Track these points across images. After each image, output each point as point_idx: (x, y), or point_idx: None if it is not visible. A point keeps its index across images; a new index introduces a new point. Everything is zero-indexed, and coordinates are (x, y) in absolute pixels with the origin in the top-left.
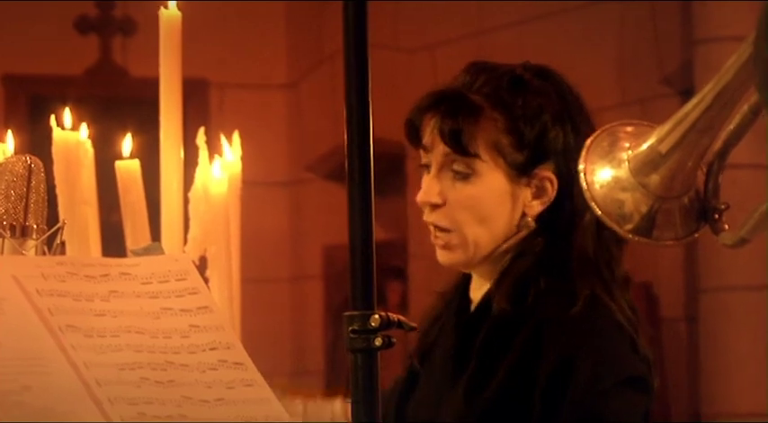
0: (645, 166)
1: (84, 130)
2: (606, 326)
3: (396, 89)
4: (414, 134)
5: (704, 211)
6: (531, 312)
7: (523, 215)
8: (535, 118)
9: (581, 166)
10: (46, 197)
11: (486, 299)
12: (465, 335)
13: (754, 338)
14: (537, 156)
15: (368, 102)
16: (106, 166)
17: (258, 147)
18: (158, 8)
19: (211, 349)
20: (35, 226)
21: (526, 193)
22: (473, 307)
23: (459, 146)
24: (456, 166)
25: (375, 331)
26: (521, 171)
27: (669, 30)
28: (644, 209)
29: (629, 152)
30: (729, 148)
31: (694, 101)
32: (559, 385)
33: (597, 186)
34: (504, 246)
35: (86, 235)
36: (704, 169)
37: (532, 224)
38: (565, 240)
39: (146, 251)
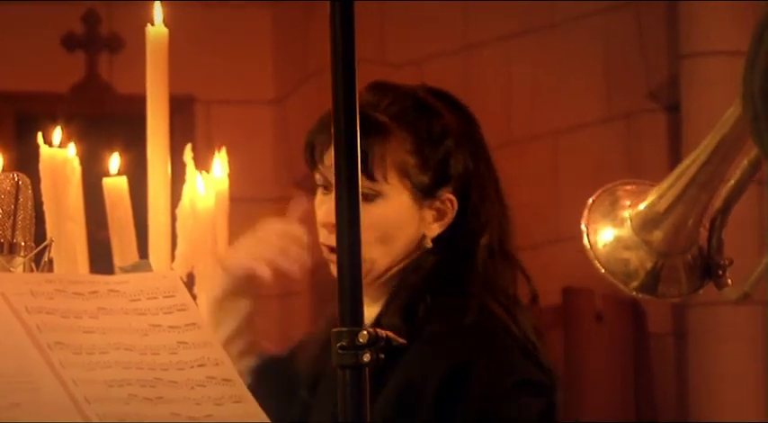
0: (647, 224)
1: (71, 147)
2: (498, 333)
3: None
4: (310, 154)
5: (708, 267)
6: (420, 327)
7: (423, 237)
8: (439, 141)
9: (583, 226)
10: (33, 214)
11: (378, 318)
12: None
13: (743, 353)
14: (440, 178)
15: (355, 117)
16: (93, 184)
17: (245, 163)
18: (145, 25)
19: (200, 366)
20: (23, 243)
21: (428, 216)
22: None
23: (366, 167)
24: (363, 189)
25: (363, 347)
26: (425, 193)
27: (655, 44)
28: (648, 266)
29: (631, 210)
30: (731, 203)
31: (693, 155)
32: (452, 393)
33: (600, 246)
34: (399, 266)
35: (74, 252)
36: (707, 226)
37: (429, 245)
38: (458, 259)
39: (134, 268)
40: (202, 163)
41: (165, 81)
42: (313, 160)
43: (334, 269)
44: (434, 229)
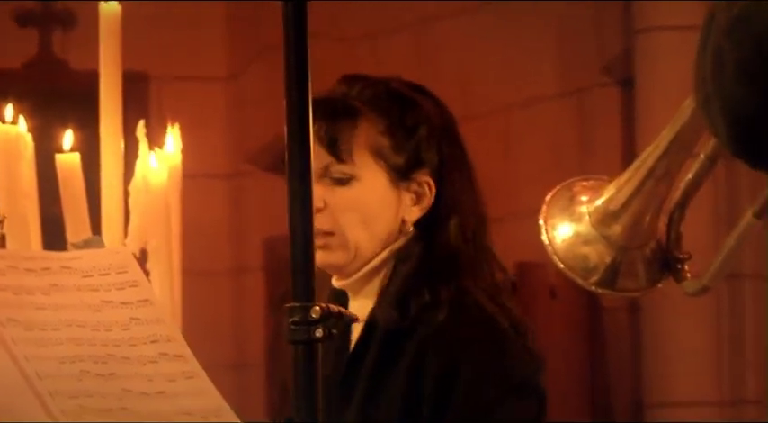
0: (606, 218)
1: (23, 123)
2: (488, 333)
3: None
4: None
5: (667, 261)
6: (414, 327)
7: (403, 221)
8: (412, 128)
9: (541, 222)
10: None
11: (372, 317)
12: (354, 356)
13: (697, 327)
14: (415, 160)
15: (308, 93)
16: (46, 160)
17: (198, 139)
18: (98, 2)
19: (152, 342)
20: None
21: (406, 199)
22: (359, 329)
23: (338, 151)
24: (335, 173)
25: (316, 323)
26: (401, 175)
27: (609, 19)
28: (607, 260)
29: (589, 205)
30: (689, 197)
31: (650, 148)
32: (445, 399)
33: (559, 241)
34: (384, 254)
35: (27, 228)
36: (665, 220)
37: (411, 230)
38: (442, 246)
39: (86, 244)
40: (155, 139)
41: (118, 57)
42: None
43: (319, 256)
44: (414, 213)
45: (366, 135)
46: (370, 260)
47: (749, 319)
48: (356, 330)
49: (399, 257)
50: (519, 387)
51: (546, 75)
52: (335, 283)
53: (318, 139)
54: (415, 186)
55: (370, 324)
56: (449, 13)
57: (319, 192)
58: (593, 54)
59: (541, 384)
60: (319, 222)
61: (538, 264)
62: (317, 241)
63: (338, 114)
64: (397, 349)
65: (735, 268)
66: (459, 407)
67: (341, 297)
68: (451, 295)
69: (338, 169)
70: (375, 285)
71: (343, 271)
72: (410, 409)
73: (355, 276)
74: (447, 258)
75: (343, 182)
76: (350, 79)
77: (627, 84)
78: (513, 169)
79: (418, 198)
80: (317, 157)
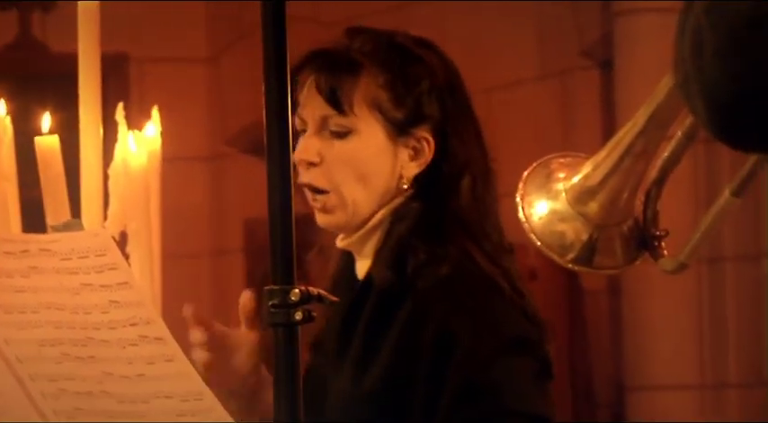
0: (582, 195)
1: (2, 105)
2: (484, 288)
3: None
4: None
5: (644, 238)
6: (410, 284)
7: (400, 177)
8: (414, 82)
9: (518, 199)
10: None
11: (369, 276)
12: (350, 315)
13: (677, 310)
14: (415, 116)
15: (287, 76)
16: (25, 142)
17: (178, 121)
18: None
19: (132, 325)
20: None
21: (404, 154)
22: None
23: (337, 102)
24: (334, 126)
25: (295, 305)
26: (399, 129)
27: (588, 2)
28: (584, 237)
29: (566, 183)
30: (666, 175)
31: (627, 126)
32: (442, 355)
33: (536, 218)
34: (382, 211)
35: (6, 211)
36: (642, 197)
37: (408, 186)
38: (441, 204)
39: (65, 227)
40: (135, 122)
41: (97, 39)
42: (293, 102)
43: (319, 217)
44: (411, 169)
45: (366, 88)
46: (369, 218)
47: (730, 301)
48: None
49: (396, 216)
50: (515, 344)
51: (526, 58)
52: (340, 243)
53: (319, 90)
54: (413, 142)
55: (366, 284)
56: None
57: (316, 145)
58: (573, 37)
59: (543, 347)
60: (315, 179)
61: (519, 245)
62: (316, 204)
63: (340, 66)
64: (393, 307)
65: (716, 251)
66: (456, 364)
67: (350, 256)
68: (452, 253)
69: (337, 122)
70: (373, 244)
71: (344, 229)
72: (404, 364)
73: (355, 236)
74: (450, 218)
75: (341, 135)
76: (353, 31)
77: (606, 66)
78: (495, 152)
79: (416, 154)
80: (317, 108)
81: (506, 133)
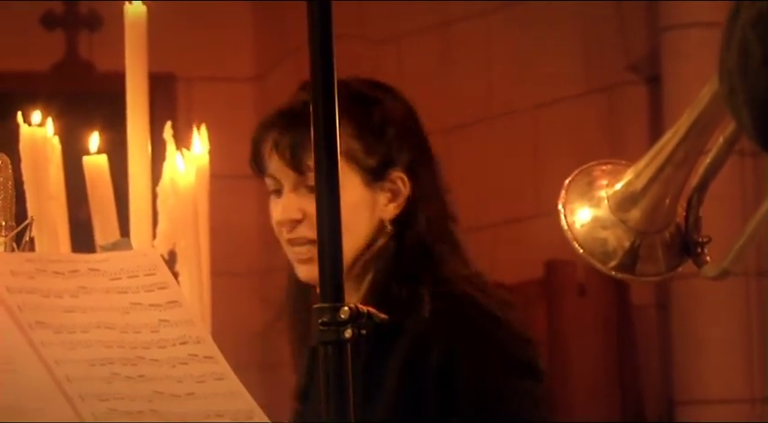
0: (624, 203)
1: (51, 125)
2: (474, 320)
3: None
4: (256, 162)
5: (686, 244)
6: (399, 324)
7: (380, 221)
8: (380, 127)
9: (560, 207)
10: (14, 194)
11: None
12: None
13: (727, 324)
14: (388, 160)
15: (334, 94)
16: (74, 162)
17: (226, 140)
18: (124, 3)
19: (181, 343)
20: (3, 223)
21: (382, 198)
22: None
23: (299, 162)
24: (310, 181)
25: (344, 323)
26: (375, 175)
27: (635, 16)
28: (626, 245)
29: (608, 190)
30: (708, 181)
31: (669, 134)
32: (445, 390)
33: (578, 226)
34: (366, 256)
35: (55, 231)
36: (684, 204)
37: (389, 228)
38: (413, 240)
39: (114, 246)
40: (183, 140)
41: (145, 59)
42: (260, 168)
43: (302, 271)
44: (390, 211)
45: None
46: (353, 264)
47: None
48: None
49: (377, 256)
50: (517, 368)
51: (572, 74)
52: None
53: (280, 154)
54: (389, 184)
55: None
56: (474, 14)
57: (296, 203)
58: (619, 52)
59: (539, 363)
60: (304, 231)
61: (567, 261)
62: (306, 255)
63: (306, 126)
64: (386, 348)
65: (764, 265)
66: (460, 396)
67: None
68: (431, 287)
69: (311, 177)
70: (364, 287)
71: None
72: (409, 399)
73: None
74: (419, 251)
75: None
76: (309, 86)
77: (654, 81)
78: (541, 169)
79: (393, 195)
80: (286, 171)
81: (553, 150)
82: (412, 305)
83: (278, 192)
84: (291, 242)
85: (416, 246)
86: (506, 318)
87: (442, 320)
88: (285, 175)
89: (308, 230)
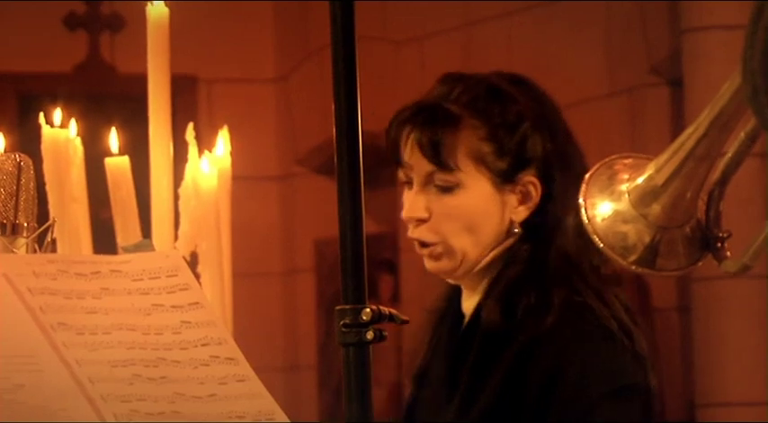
0: (645, 197)
1: (73, 127)
2: (593, 334)
3: (384, 81)
4: (394, 150)
5: (706, 239)
6: (519, 327)
7: (510, 222)
8: (514, 126)
9: (581, 200)
10: (36, 195)
11: (477, 313)
12: (458, 352)
13: (748, 327)
14: (519, 162)
15: (356, 94)
16: (96, 163)
17: (248, 141)
18: (146, 4)
19: (203, 345)
20: (25, 224)
21: (512, 200)
22: (465, 321)
23: (440, 159)
24: (439, 181)
25: (367, 325)
26: (505, 178)
27: (657, 18)
28: (647, 239)
29: (629, 184)
30: (729, 176)
31: (690, 129)
32: (547, 399)
33: (599, 220)
34: (492, 254)
35: (77, 232)
36: (705, 198)
37: (519, 230)
38: (549, 245)
39: (136, 248)
40: (205, 142)
41: (167, 60)
42: (398, 157)
43: (427, 263)
44: (521, 213)
45: (468, 142)
46: (478, 263)
47: None
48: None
49: (507, 259)
50: (622, 390)
51: (595, 75)
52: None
53: (420, 147)
54: (519, 187)
55: (473, 322)
56: (496, 15)
57: (423, 201)
58: (642, 54)
59: (649, 386)
60: (423, 234)
61: None
62: (423, 251)
63: (439, 121)
64: (497, 351)
65: None
66: (560, 408)
67: (456, 289)
68: (562, 297)
69: (441, 177)
70: (484, 283)
71: (451, 275)
72: (510, 402)
73: (465, 279)
74: (560, 261)
75: (447, 190)
76: (449, 81)
77: (676, 83)
78: None
79: (524, 198)
80: (421, 164)
81: None
82: (538, 312)
83: (408, 184)
84: (413, 240)
85: (547, 251)
86: (620, 337)
87: (557, 335)
88: (418, 172)
89: (428, 232)
